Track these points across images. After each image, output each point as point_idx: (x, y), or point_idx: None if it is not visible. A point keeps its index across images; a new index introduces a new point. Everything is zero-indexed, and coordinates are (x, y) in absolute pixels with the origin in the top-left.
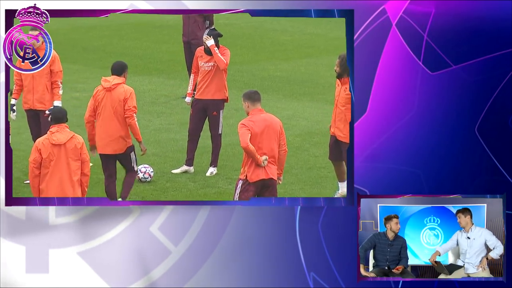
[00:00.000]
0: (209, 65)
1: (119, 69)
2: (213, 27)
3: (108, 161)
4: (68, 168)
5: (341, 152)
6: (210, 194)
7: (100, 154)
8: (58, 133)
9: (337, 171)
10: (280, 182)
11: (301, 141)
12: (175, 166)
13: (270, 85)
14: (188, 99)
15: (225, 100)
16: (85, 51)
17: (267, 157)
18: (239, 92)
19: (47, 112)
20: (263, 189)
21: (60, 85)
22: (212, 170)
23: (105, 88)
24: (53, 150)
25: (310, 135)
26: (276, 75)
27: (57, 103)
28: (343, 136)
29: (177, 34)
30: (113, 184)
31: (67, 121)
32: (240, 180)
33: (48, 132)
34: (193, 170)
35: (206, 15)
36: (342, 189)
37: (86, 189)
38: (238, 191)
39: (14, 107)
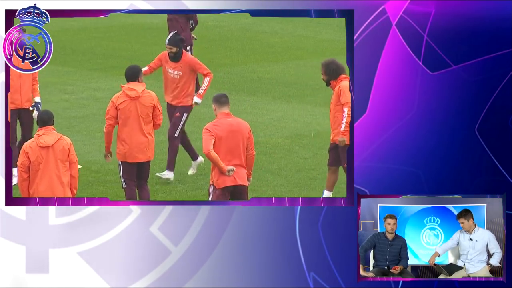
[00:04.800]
0: (176, 73)
1: (136, 75)
2: (175, 32)
3: (134, 168)
4: (57, 170)
5: (339, 157)
6: (200, 196)
7: (128, 163)
8: (45, 136)
9: (330, 178)
10: (248, 183)
11: (290, 143)
12: (164, 168)
13: (259, 87)
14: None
15: (191, 106)
16: (74, 53)
17: (234, 168)
18: (228, 94)
19: (30, 108)
20: (235, 194)
21: (37, 80)
22: (165, 172)
23: (132, 97)
24: (41, 152)
25: (299, 137)
26: (266, 77)
27: (38, 99)
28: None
29: (166, 36)
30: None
31: (53, 123)
32: (210, 186)
33: (35, 135)
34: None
35: (189, 14)
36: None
37: (75, 191)
38: (210, 197)
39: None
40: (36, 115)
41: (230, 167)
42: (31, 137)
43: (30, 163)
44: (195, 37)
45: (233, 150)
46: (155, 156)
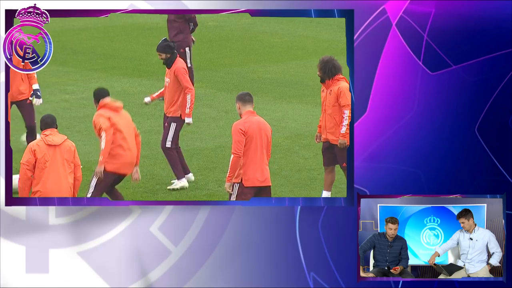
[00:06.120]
0: (167, 80)
1: (106, 94)
2: (164, 38)
3: (113, 180)
4: (64, 169)
5: (335, 157)
6: (200, 196)
7: (111, 174)
8: (52, 135)
9: (327, 178)
10: None
11: (290, 143)
12: (164, 168)
13: (259, 87)
14: (146, 99)
15: (179, 117)
16: (74, 53)
17: (229, 192)
18: (228, 94)
19: (30, 98)
20: (258, 194)
21: None
22: (175, 182)
23: (117, 109)
24: (48, 151)
25: (299, 137)
26: (266, 77)
27: (36, 86)
28: (336, 139)
29: (167, 37)
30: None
31: (57, 127)
32: (235, 183)
33: (41, 135)
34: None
35: (189, 17)
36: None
37: (76, 195)
38: (234, 194)
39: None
40: (37, 102)
41: (229, 186)
42: (34, 126)
43: (36, 161)
44: (194, 39)
45: (261, 148)
46: (156, 156)
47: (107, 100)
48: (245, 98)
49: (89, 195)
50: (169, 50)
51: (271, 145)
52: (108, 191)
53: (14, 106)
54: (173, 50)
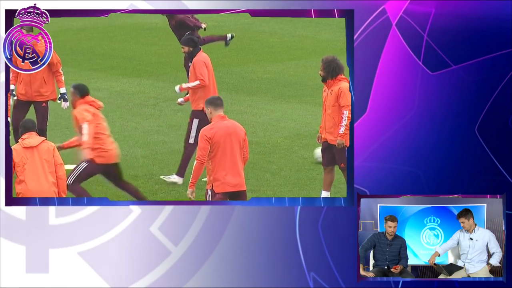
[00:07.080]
0: (189, 74)
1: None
2: (189, 32)
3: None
4: (43, 169)
5: (334, 157)
6: (200, 196)
7: (97, 165)
8: (29, 138)
9: (326, 178)
10: None
11: (290, 143)
12: (164, 168)
13: (259, 87)
14: (180, 100)
15: (202, 111)
16: (74, 53)
17: (192, 197)
18: (228, 94)
19: (58, 101)
20: (233, 198)
21: (62, 71)
22: (171, 176)
23: (100, 107)
24: (25, 153)
25: (299, 137)
26: (265, 77)
27: (63, 90)
28: (334, 139)
29: (166, 36)
30: None
31: (36, 131)
32: (208, 190)
33: (19, 139)
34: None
35: (195, 26)
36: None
37: (64, 195)
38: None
39: (14, 92)
40: (64, 105)
41: (191, 192)
42: (45, 130)
43: (14, 165)
44: (204, 26)
45: (231, 154)
46: (155, 156)
47: (91, 98)
48: (216, 103)
49: (71, 182)
50: (192, 43)
51: (247, 146)
52: (118, 185)
53: (32, 105)
54: (196, 44)
